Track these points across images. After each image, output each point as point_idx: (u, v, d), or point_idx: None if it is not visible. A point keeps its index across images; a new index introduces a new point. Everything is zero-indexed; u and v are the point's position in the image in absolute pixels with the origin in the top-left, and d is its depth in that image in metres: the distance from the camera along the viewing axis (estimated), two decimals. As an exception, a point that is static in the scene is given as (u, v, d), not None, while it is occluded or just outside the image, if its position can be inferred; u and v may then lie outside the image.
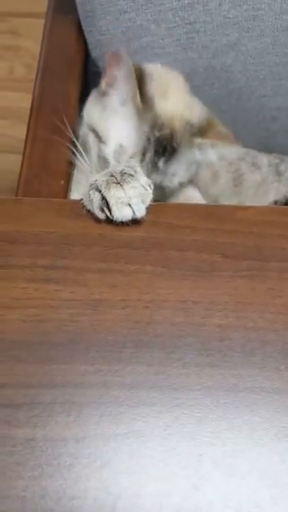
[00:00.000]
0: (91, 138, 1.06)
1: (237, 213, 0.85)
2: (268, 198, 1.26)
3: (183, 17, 1.17)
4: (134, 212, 0.80)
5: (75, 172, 1.07)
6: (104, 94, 1.06)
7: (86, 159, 1.03)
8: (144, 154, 1.01)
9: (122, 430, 0.69)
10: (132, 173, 0.83)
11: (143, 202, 0.82)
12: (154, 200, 0.94)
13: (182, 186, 1.08)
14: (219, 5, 1.15)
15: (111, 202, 0.80)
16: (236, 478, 0.68)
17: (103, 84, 1.06)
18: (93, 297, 0.77)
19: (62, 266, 0.79)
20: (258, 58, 1.22)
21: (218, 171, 1.28)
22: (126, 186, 0.81)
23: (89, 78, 1.17)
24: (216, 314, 0.77)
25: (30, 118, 1.10)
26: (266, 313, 0.77)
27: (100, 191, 0.81)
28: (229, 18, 1.17)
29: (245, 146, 1.36)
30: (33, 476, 0.66)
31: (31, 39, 2.08)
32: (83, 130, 1.08)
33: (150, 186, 0.84)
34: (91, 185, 0.82)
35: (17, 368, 0.72)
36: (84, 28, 1.21)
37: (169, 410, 0.70)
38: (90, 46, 1.22)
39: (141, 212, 0.81)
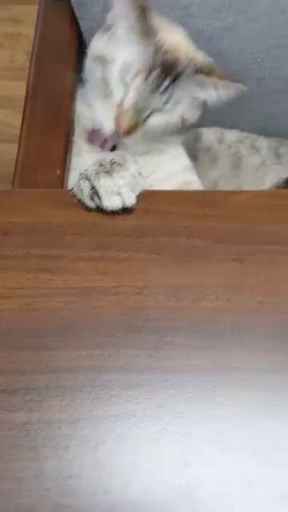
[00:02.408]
0: (96, 68, 1.11)
1: (229, 198, 0.92)
2: (267, 180, 1.32)
3: (177, 1, 1.23)
4: (123, 201, 0.87)
5: (73, 158, 1.14)
6: (110, 27, 1.11)
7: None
8: (150, 73, 1.06)
9: (115, 412, 0.75)
10: (121, 162, 0.89)
11: (133, 190, 0.88)
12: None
13: (184, 124, 1.14)
14: (213, -12, 1.21)
15: (101, 192, 0.86)
16: (227, 455, 0.74)
17: (109, 17, 1.11)
18: (85, 284, 0.83)
19: (55, 256, 0.85)
20: (254, 40, 1.28)
21: (216, 155, 1.34)
22: (115, 175, 0.87)
23: (84, 64, 1.23)
24: (207, 298, 0.83)
25: (25, 107, 1.16)
26: (256, 295, 0.83)
27: (90, 180, 0.87)
28: (223, 1, 1.23)
29: (244, 130, 1.42)
30: (29, 458, 0.73)
31: (32, 26, 2.13)
32: (89, 65, 1.13)
33: (139, 174, 0.89)
34: (81, 174, 0.89)
35: (12, 355, 0.78)
36: (77, 15, 1.27)
37: (160, 391, 0.77)
38: (85, 33, 1.28)
39: (130, 200, 0.87)
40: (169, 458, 0.74)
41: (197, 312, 0.82)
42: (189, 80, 1.09)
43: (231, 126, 1.41)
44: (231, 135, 1.41)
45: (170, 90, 1.07)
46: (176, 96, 1.09)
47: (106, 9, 1.22)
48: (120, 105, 1.06)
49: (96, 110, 1.11)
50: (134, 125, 1.05)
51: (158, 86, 1.06)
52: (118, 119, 1.05)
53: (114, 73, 1.06)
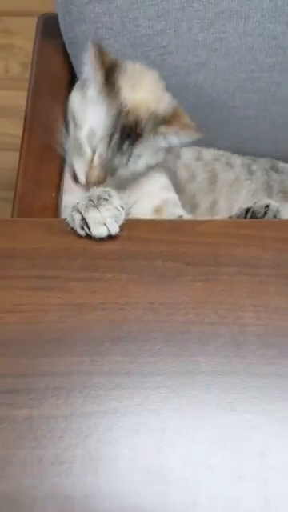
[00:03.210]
0: (71, 125, 1.27)
1: (196, 226, 1.07)
2: (241, 194, 1.47)
3: (157, 41, 1.38)
4: (108, 230, 1.02)
5: (65, 184, 1.29)
6: (84, 84, 1.27)
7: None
8: (111, 138, 1.21)
9: (102, 409, 0.90)
10: (107, 197, 1.04)
11: (116, 221, 1.03)
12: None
13: (151, 169, 1.29)
14: (189, 29, 1.36)
15: (89, 222, 1.02)
16: (193, 445, 0.88)
17: (84, 71, 1.27)
18: (77, 301, 0.98)
19: (51, 276, 1.00)
20: (226, 74, 1.43)
21: (194, 171, 1.49)
22: (101, 209, 1.02)
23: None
24: (178, 312, 0.97)
25: (22, 138, 1.30)
26: (219, 310, 0.98)
27: (80, 213, 1.02)
28: (198, 41, 1.38)
29: (220, 149, 1.56)
30: (31, 446, 0.87)
31: (25, 37, 2.18)
32: (68, 119, 1.29)
33: (122, 207, 1.05)
34: (73, 207, 1.04)
35: (17, 361, 0.93)
36: (69, 52, 1.42)
37: (139, 392, 0.91)
38: (76, 69, 1.42)
39: (114, 230, 1.02)
40: (145, 447, 0.87)
41: (170, 324, 0.96)
42: (151, 134, 1.24)
43: (208, 146, 1.55)
44: (208, 153, 1.55)
45: (129, 151, 1.22)
46: (137, 153, 1.24)
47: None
48: (90, 163, 1.22)
49: (73, 164, 1.26)
50: (102, 179, 1.22)
51: (119, 149, 1.22)
52: (88, 175, 1.22)
53: (83, 137, 1.23)
